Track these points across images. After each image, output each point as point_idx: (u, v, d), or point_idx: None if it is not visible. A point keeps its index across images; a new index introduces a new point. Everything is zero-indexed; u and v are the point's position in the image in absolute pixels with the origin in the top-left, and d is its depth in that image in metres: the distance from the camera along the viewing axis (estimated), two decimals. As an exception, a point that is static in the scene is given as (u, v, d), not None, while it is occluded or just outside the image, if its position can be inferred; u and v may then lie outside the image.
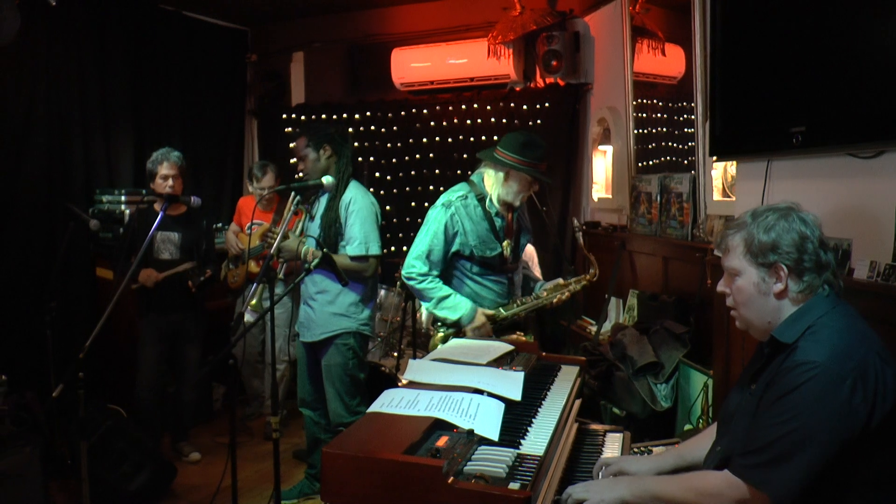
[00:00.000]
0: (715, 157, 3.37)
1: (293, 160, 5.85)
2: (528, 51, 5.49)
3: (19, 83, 4.68)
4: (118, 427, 3.78)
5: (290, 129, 6.18)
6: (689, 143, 3.97)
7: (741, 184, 3.01)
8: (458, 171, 5.49)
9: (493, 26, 5.35)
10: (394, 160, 5.94)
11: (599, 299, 4.49)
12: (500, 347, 2.64)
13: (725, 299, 1.87)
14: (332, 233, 3.58)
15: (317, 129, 3.75)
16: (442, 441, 1.71)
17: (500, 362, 2.45)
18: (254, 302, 3.25)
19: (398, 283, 5.02)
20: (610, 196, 5.04)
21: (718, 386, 3.04)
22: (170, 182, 4.18)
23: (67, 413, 3.78)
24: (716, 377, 3.08)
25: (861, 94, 2.18)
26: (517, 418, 1.97)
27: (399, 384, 2.22)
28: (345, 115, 6.01)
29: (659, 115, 4.64)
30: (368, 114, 5.98)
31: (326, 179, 3.60)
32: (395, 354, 4.72)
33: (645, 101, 4.61)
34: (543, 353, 2.73)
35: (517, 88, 5.56)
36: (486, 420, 1.85)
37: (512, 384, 2.12)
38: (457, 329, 3.31)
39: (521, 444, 1.81)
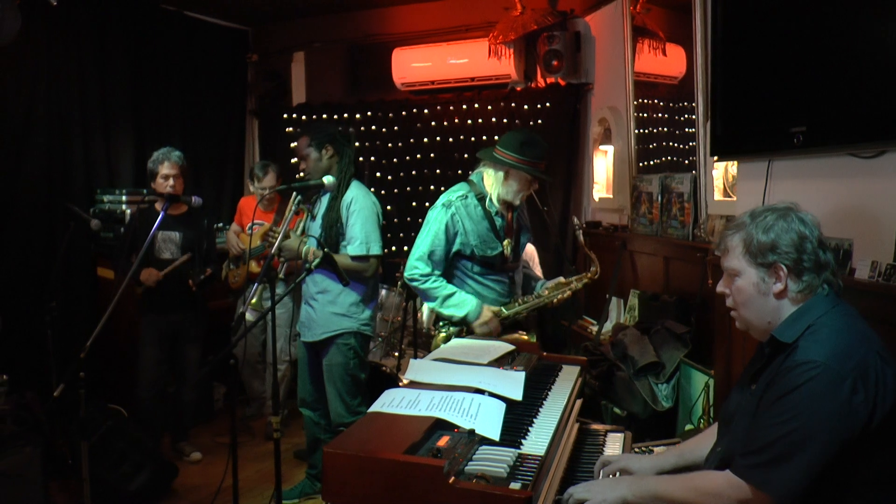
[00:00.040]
0: (716, 157, 3.37)
1: (294, 160, 5.85)
2: (529, 51, 5.49)
3: (20, 83, 4.68)
4: (119, 427, 3.78)
5: (290, 128, 6.18)
6: (690, 143, 3.96)
7: (742, 184, 3.00)
8: (459, 171, 5.49)
9: (494, 26, 5.35)
10: (394, 160, 5.94)
11: (600, 299, 4.48)
12: (501, 347, 2.64)
13: (725, 300, 1.87)
14: (334, 233, 3.58)
15: (319, 128, 3.74)
16: (443, 441, 1.71)
17: (500, 362, 2.45)
18: (254, 300, 3.26)
19: (399, 282, 5.02)
20: (611, 196, 5.04)
21: (719, 386, 3.04)
22: (171, 182, 4.18)
23: (68, 413, 3.78)
24: (717, 377, 3.08)
25: (862, 94, 2.17)
26: (518, 418, 1.97)
27: (400, 384, 2.22)
28: (345, 115, 6.01)
29: (660, 114, 4.64)
30: (369, 114, 5.98)
31: (327, 179, 3.60)
32: (396, 354, 4.72)
33: (646, 100, 4.61)
34: (544, 353, 2.73)
35: (518, 88, 5.55)
36: (487, 420, 1.85)
37: (513, 384, 2.12)
38: (463, 327, 3.31)
39: (522, 443, 1.82)
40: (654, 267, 4.18)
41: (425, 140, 5.84)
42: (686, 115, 4.10)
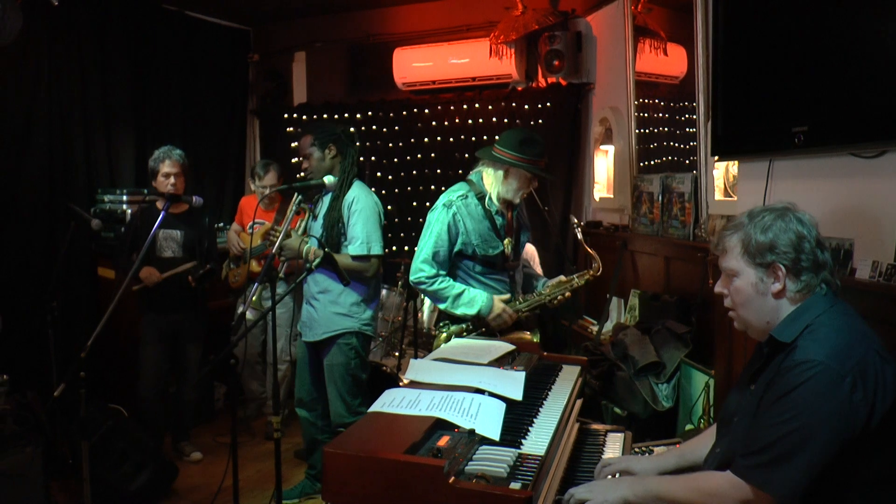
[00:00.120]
0: (717, 157, 3.37)
1: (295, 160, 5.86)
2: (530, 50, 5.49)
3: (20, 83, 4.68)
4: (119, 427, 3.78)
5: (291, 128, 6.18)
6: (691, 143, 3.96)
7: (743, 184, 3.00)
8: (460, 171, 5.48)
9: (495, 26, 5.35)
10: (395, 160, 5.94)
11: (601, 299, 4.48)
12: (502, 347, 2.64)
13: (723, 300, 1.87)
14: (335, 233, 3.57)
15: (323, 128, 3.74)
16: (443, 441, 1.71)
17: (501, 362, 2.45)
18: (254, 299, 3.25)
19: (400, 282, 5.02)
20: (612, 196, 5.04)
21: (720, 386, 3.04)
22: (171, 180, 4.18)
23: (69, 413, 3.78)
24: (717, 377, 3.08)
25: (863, 94, 2.17)
26: (518, 418, 1.97)
27: (400, 384, 2.22)
28: (346, 115, 6.01)
29: (661, 114, 4.64)
30: (370, 113, 5.98)
31: (328, 179, 3.60)
32: (397, 354, 4.72)
33: (647, 100, 4.61)
34: (545, 353, 2.73)
35: (519, 88, 5.55)
36: (487, 420, 1.85)
37: (513, 384, 2.12)
38: (477, 323, 3.31)
39: (522, 443, 1.81)
40: (654, 267, 4.18)
41: (426, 140, 5.84)
42: (687, 115, 4.09)
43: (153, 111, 5.58)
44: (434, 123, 5.80)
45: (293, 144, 6.01)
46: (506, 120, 5.54)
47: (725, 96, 2.86)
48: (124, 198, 4.91)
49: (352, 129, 3.82)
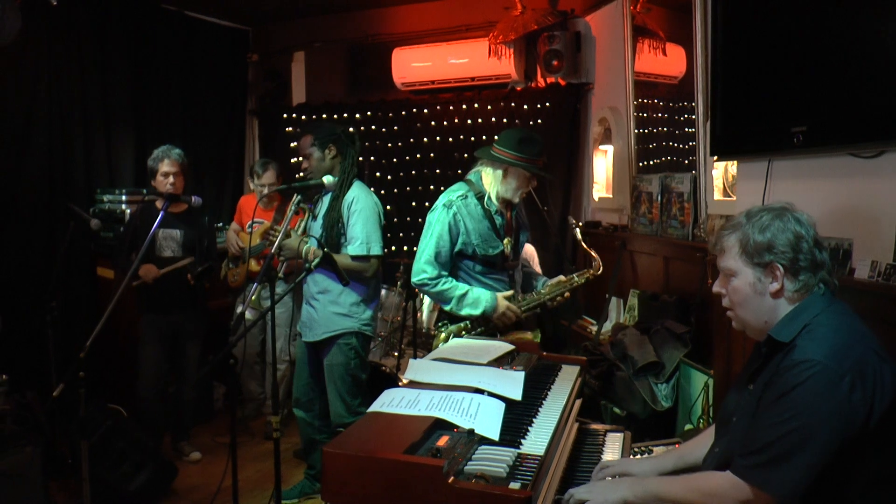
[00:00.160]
0: (716, 157, 3.37)
1: (294, 159, 5.86)
2: (529, 50, 5.49)
3: (20, 83, 4.68)
4: (119, 426, 3.78)
5: (290, 128, 6.18)
6: (690, 143, 3.96)
7: (742, 183, 3.00)
8: (459, 171, 5.48)
9: (494, 26, 5.35)
10: (394, 160, 5.94)
11: (600, 299, 4.48)
12: (501, 347, 2.64)
13: (721, 300, 1.87)
14: (335, 233, 3.57)
15: (323, 128, 3.73)
16: (442, 441, 1.71)
17: (500, 362, 2.45)
18: (253, 298, 3.25)
19: (399, 282, 5.02)
20: (611, 196, 5.04)
21: (719, 386, 3.04)
22: (171, 179, 4.18)
23: (68, 412, 3.78)
24: (716, 377, 3.08)
25: (862, 94, 2.18)
26: (518, 418, 1.97)
27: (399, 384, 2.22)
28: (345, 115, 6.01)
29: (660, 114, 4.64)
30: (369, 113, 5.98)
31: (327, 179, 3.60)
32: (396, 354, 4.72)
33: (646, 100, 4.61)
34: (544, 353, 2.73)
35: (518, 88, 5.55)
36: (486, 420, 1.85)
37: (512, 384, 2.12)
38: (476, 321, 3.31)
39: (521, 443, 1.81)
40: (653, 267, 4.18)
41: (425, 140, 5.84)
42: (686, 115, 4.10)
43: (153, 111, 5.58)
44: (433, 123, 5.80)
45: (292, 144, 6.01)
46: (505, 120, 5.54)
47: (724, 96, 2.86)
48: (123, 198, 4.91)
49: (351, 130, 3.80)
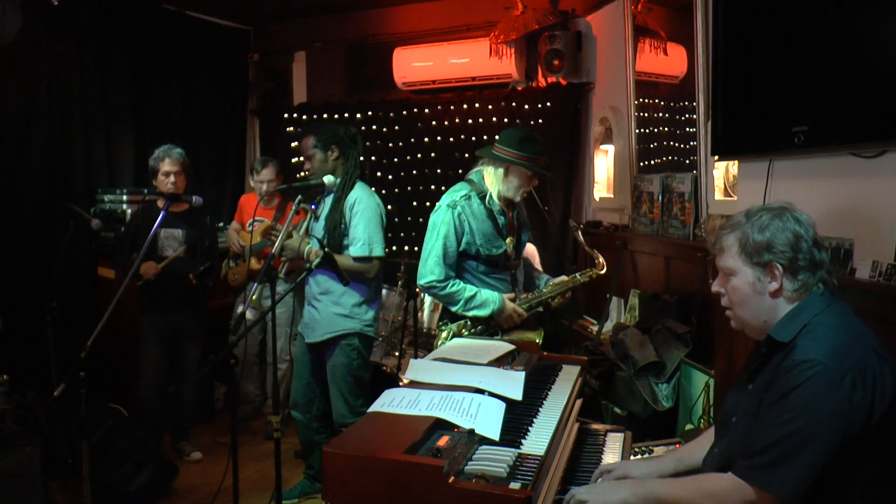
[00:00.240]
0: (717, 157, 3.37)
1: (294, 159, 5.86)
2: (530, 50, 5.49)
3: (20, 83, 4.69)
4: (119, 426, 3.78)
5: (291, 128, 6.18)
6: (691, 143, 3.96)
7: (743, 183, 3.00)
8: (460, 171, 5.46)
9: (495, 26, 5.34)
10: (395, 160, 5.94)
11: (601, 299, 4.48)
12: (501, 347, 2.64)
13: (720, 299, 1.87)
14: (337, 234, 3.57)
15: (326, 129, 3.73)
16: (443, 441, 1.71)
17: (500, 362, 2.44)
18: (254, 297, 3.25)
19: (400, 282, 5.02)
20: (612, 196, 5.04)
21: (720, 386, 3.03)
22: (172, 178, 4.18)
23: (68, 412, 3.78)
24: (717, 377, 3.08)
25: (863, 94, 2.17)
26: (518, 418, 1.96)
27: (400, 384, 2.21)
28: (346, 115, 6.01)
29: (661, 114, 4.63)
30: (370, 113, 5.98)
31: (328, 179, 3.60)
32: (397, 354, 4.72)
33: (647, 100, 4.60)
34: (544, 353, 2.72)
35: (519, 88, 5.55)
36: (486, 420, 1.84)
37: (513, 384, 2.12)
38: (476, 320, 3.31)
39: (521, 443, 1.81)
40: (654, 266, 4.18)
41: (426, 140, 5.84)
42: (687, 115, 4.09)
43: (153, 111, 5.58)
44: (434, 123, 5.80)
45: (293, 144, 6.01)
46: (506, 120, 5.54)
47: (725, 96, 2.86)
48: (124, 197, 4.91)
49: (353, 130, 3.79)
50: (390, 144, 5.94)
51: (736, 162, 3.24)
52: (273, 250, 3.37)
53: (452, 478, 1.54)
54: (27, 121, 4.72)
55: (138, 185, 5.25)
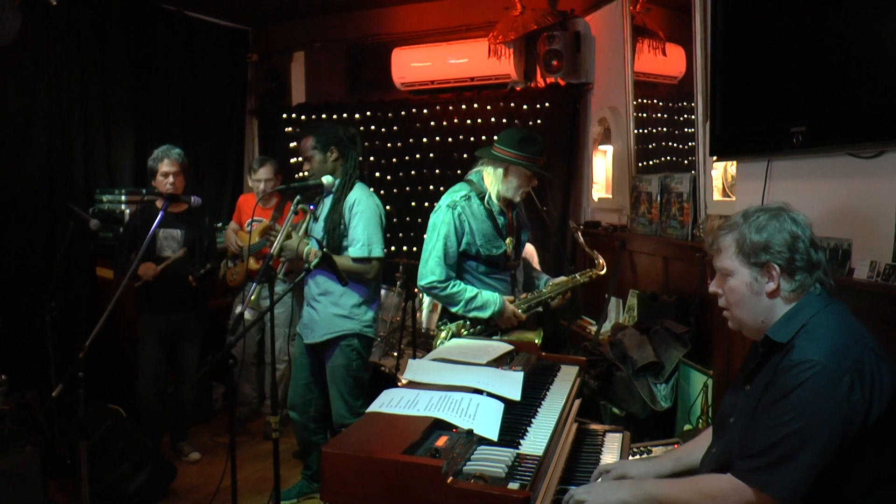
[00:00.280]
0: (715, 157, 3.37)
1: (293, 160, 5.86)
2: (529, 50, 5.49)
3: (20, 83, 4.68)
4: (118, 427, 3.78)
5: (290, 128, 6.18)
6: (690, 143, 3.96)
7: (741, 184, 3.00)
8: (459, 171, 5.47)
9: (494, 26, 5.34)
10: (394, 160, 5.94)
11: (599, 299, 4.48)
12: (500, 347, 2.64)
13: (718, 300, 1.87)
14: (337, 235, 3.57)
15: (325, 130, 3.72)
16: (441, 441, 1.71)
17: (499, 362, 2.45)
18: (252, 298, 3.25)
19: (398, 282, 5.02)
20: (610, 196, 5.04)
21: (718, 386, 3.04)
22: (171, 179, 4.18)
23: (67, 413, 3.78)
24: (716, 377, 3.08)
25: (861, 94, 2.18)
26: (516, 418, 1.97)
27: (399, 384, 2.22)
28: (345, 115, 6.01)
29: (659, 114, 4.64)
30: (369, 113, 5.98)
31: (326, 179, 3.60)
32: (395, 354, 4.72)
33: (645, 100, 4.61)
34: (543, 353, 2.73)
35: (518, 88, 5.55)
36: (485, 420, 1.85)
37: (511, 384, 2.12)
38: (476, 320, 3.32)
39: (520, 443, 1.81)
40: (653, 267, 4.18)
41: (425, 140, 5.84)
42: (685, 115, 4.09)
43: (153, 111, 5.58)
44: (433, 123, 5.80)
45: (292, 144, 6.01)
46: (504, 120, 5.54)
47: (724, 96, 2.86)
48: (123, 198, 4.91)
49: (352, 130, 3.78)
50: (389, 145, 5.94)
51: (734, 162, 3.24)
52: (272, 250, 3.36)
53: (451, 478, 1.54)
54: (27, 121, 4.72)
55: (137, 185, 5.25)
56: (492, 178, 3.31)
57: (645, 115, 4.62)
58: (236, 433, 3.11)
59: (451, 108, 5.74)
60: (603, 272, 3.56)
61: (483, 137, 5.50)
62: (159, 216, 3.56)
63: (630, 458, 2.25)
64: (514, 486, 1.56)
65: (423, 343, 4.66)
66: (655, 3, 4.53)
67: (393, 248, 5.86)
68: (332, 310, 3.61)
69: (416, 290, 4.37)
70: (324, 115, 6.06)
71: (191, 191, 4.44)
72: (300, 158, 3.85)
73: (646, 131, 4.67)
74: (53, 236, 4.76)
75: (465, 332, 3.33)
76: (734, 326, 1.87)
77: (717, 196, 3.69)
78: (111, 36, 5.21)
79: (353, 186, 3.65)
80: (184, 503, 3.91)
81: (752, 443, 1.65)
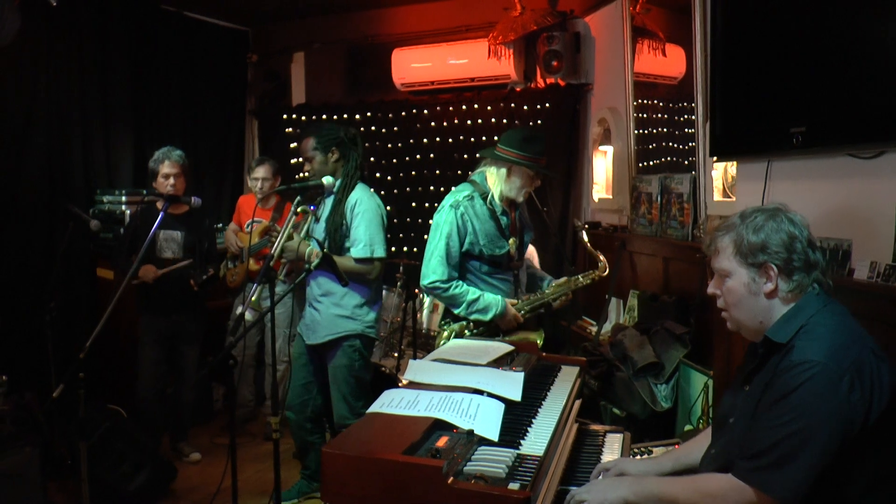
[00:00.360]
0: (715, 158, 3.37)
1: (293, 160, 5.86)
2: (529, 51, 5.49)
3: (20, 83, 4.68)
4: (118, 427, 3.78)
5: (290, 129, 6.18)
6: (690, 144, 3.96)
7: (741, 184, 3.00)
8: (459, 172, 5.49)
9: (494, 27, 5.34)
10: (394, 160, 5.94)
11: (600, 300, 4.48)
12: (500, 348, 2.64)
13: (716, 300, 1.87)
14: (339, 236, 3.57)
15: (326, 130, 3.72)
16: (442, 441, 1.71)
17: (499, 363, 2.45)
18: (253, 299, 3.25)
19: (398, 283, 5.02)
20: (610, 196, 5.04)
21: (719, 386, 3.04)
22: (171, 181, 4.18)
23: (67, 413, 3.78)
24: (716, 377, 3.08)
25: (861, 94, 2.18)
26: (517, 419, 1.97)
27: (399, 384, 2.22)
28: (345, 116, 6.01)
29: (659, 115, 4.64)
30: (369, 114, 5.98)
31: (326, 180, 3.59)
32: (396, 355, 4.72)
33: (645, 101, 4.61)
34: (543, 354, 2.73)
35: (518, 89, 5.55)
36: (485, 420, 1.85)
37: (512, 384, 2.12)
38: (485, 322, 3.32)
39: (520, 444, 1.81)
40: (653, 267, 4.18)
41: (425, 140, 5.84)
42: (685, 116, 4.10)
43: (153, 111, 5.58)
44: (433, 124, 5.80)
45: (292, 145, 6.01)
46: (504, 121, 5.54)
47: (724, 97, 2.86)
48: (123, 198, 4.91)
49: (352, 130, 3.78)
50: (389, 145, 5.95)
51: (734, 163, 3.25)
52: (272, 251, 3.36)
53: (451, 478, 1.54)
54: (27, 121, 4.72)
55: (137, 185, 5.24)
56: (495, 178, 3.32)
57: (645, 115, 4.63)
58: (237, 434, 3.10)
59: (451, 108, 5.74)
60: (605, 274, 3.56)
61: (483, 138, 5.50)
62: (159, 217, 3.56)
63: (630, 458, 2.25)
64: (514, 486, 1.56)
65: (423, 343, 4.66)
66: (655, 4, 4.53)
67: (393, 248, 5.85)
68: (334, 310, 3.61)
69: (416, 290, 4.36)
70: (324, 116, 6.06)
71: (191, 192, 4.44)
72: (300, 159, 3.84)
73: (646, 132, 4.67)
74: (53, 237, 4.76)
75: (468, 333, 3.33)
76: (733, 327, 1.87)
77: (717, 196, 3.69)
78: (111, 36, 5.22)
79: (355, 187, 3.64)
80: (184, 503, 3.92)
81: (752, 443, 1.65)
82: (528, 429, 1.93)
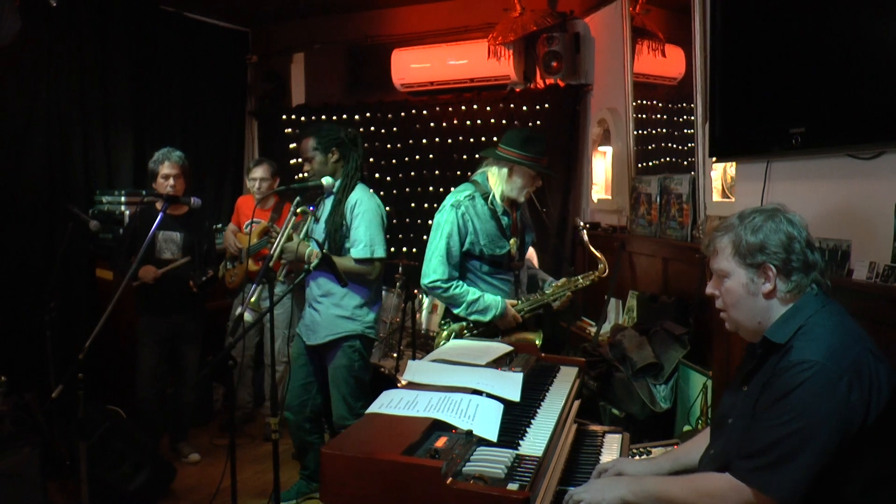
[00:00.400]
0: (714, 158, 3.37)
1: (293, 161, 5.87)
2: (529, 52, 5.49)
3: (20, 84, 4.69)
4: (117, 427, 3.78)
5: (290, 129, 6.19)
6: (689, 144, 3.96)
7: (741, 185, 3.01)
8: (458, 172, 5.49)
9: (493, 27, 5.35)
10: (394, 161, 5.94)
11: (599, 300, 4.48)
12: (500, 348, 2.65)
13: (715, 301, 1.88)
14: (339, 237, 3.57)
15: (326, 131, 3.72)
16: (441, 442, 1.72)
17: (499, 363, 2.45)
18: (252, 300, 3.25)
19: (398, 283, 5.02)
20: (610, 197, 5.04)
21: (718, 387, 3.04)
22: (171, 182, 4.18)
23: (67, 413, 3.78)
24: (715, 378, 3.08)
25: (861, 95, 2.18)
26: (516, 419, 1.97)
27: (398, 385, 2.22)
28: (344, 116, 6.02)
29: (659, 116, 4.64)
30: (368, 115, 5.98)
31: (326, 180, 3.59)
32: (395, 355, 4.72)
33: (645, 102, 4.61)
34: (542, 354, 2.73)
35: (517, 89, 5.55)
36: (484, 421, 1.85)
37: (511, 385, 2.12)
38: (485, 322, 3.33)
39: (519, 444, 1.82)
40: (652, 268, 4.18)
41: (424, 141, 5.84)
42: (685, 117, 4.10)
43: (152, 112, 5.58)
44: (432, 125, 5.81)
45: (291, 145, 6.01)
46: (504, 121, 5.54)
47: (723, 97, 2.87)
48: (122, 199, 4.91)
49: (351, 131, 3.78)
50: (388, 146, 5.95)
51: (734, 163, 3.25)
52: (272, 252, 3.36)
53: (450, 479, 1.54)
54: (27, 121, 4.72)
55: (137, 186, 5.25)
56: (496, 179, 3.32)
57: (644, 116, 4.63)
58: (236, 434, 3.10)
59: (450, 109, 5.74)
60: (605, 275, 3.56)
61: (483, 139, 5.50)
62: (158, 218, 3.56)
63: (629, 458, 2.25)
64: (513, 486, 1.56)
65: (422, 344, 4.66)
66: (655, 5, 4.53)
67: (392, 248, 5.85)
68: (334, 311, 3.61)
69: (415, 291, 4.37)
70: (323, 117, 6.06)
71: (191, 192, 4.44)
72: (300, 159, 3.84)
73: (645, 132, 4.67)
74: (53, 237, 4.76)
75: (468, 334, 3.34)
76: (731, 328, 1.87)
77: (716, 197, 3.69)
78: (111, 37, 5.22)
79: (355, 187, 3.64)
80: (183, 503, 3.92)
81: (751, 443, 1.65)
82: (527, 429, 1.93)
